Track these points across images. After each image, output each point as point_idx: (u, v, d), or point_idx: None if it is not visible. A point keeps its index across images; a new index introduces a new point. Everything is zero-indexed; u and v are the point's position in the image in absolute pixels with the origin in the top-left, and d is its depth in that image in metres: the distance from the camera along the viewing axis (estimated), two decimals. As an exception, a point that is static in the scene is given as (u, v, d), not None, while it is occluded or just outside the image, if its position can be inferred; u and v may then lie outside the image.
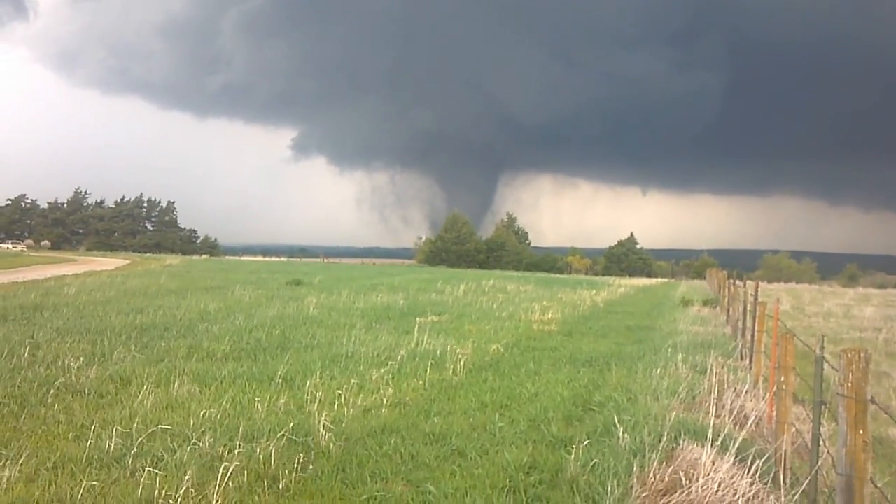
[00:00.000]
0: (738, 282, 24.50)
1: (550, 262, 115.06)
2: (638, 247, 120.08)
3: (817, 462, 6.78)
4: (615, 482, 7.18)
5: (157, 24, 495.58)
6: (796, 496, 6.89)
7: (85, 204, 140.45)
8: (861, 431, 5.04)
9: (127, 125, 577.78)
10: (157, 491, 6.85)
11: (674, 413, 9.52)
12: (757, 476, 7.30)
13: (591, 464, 7.98)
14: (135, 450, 8.06)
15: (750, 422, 9.51)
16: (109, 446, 8.17)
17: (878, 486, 5.70)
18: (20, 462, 7.61)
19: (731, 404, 10.29)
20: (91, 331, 16.64)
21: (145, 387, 10.98)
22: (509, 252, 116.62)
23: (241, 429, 8.92)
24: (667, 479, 7.38)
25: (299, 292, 31.24)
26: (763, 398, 10.87)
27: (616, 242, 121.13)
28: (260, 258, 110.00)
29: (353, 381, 11.96)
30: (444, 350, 15.41)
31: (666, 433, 8.50)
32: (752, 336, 13.80)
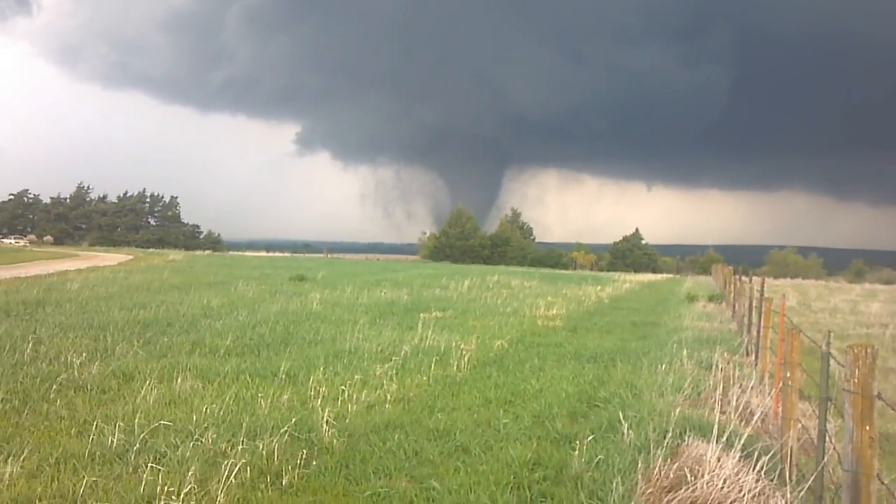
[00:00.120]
0: (743, 277, 24.52)
1: (555, 257, 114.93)
2: (643, 242, 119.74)
3: (823, 458, 6.74)
4: (620, 479, 7.17)
5: (160, 18, 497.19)
6: (802, 493, 6.85)
7: (87, 199, 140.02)
8: (867, 428, 4.98)
9: (129, 120, 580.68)
10: (159, 487, 6.81)
11: (679, 409, 9.51)
12: (762, 472, 7.27)
13: (596, 460, 7.96)
14: (137, 446, 8.04)
15: (755, 418, 9.44)
16: (112, 442, 8.14)
17: (885, 482, 5.64)
18: (22, 458, 7.59)
19: (737, 400, 10.26)
20: (94, 326, 16.63)
21: (148, 382, 10.94)
22: (514, 247, 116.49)
23: (244, 425, 8.88)
24: (672, 475, 7.34)
25: (303, 288, 31.23)
26: (769, 394, 10.83)
27: (621, 238, 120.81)
28: (263, 253, 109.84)
29: (356, 376, 11.96)
30: (448, 346, 15.39)
31: (671, 429, 8.47)
32: (758, 332, 13.75)
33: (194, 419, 9.16)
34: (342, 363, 13.41)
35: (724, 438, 7.80)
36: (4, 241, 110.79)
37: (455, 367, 13.45)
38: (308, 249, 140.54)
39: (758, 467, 7.27)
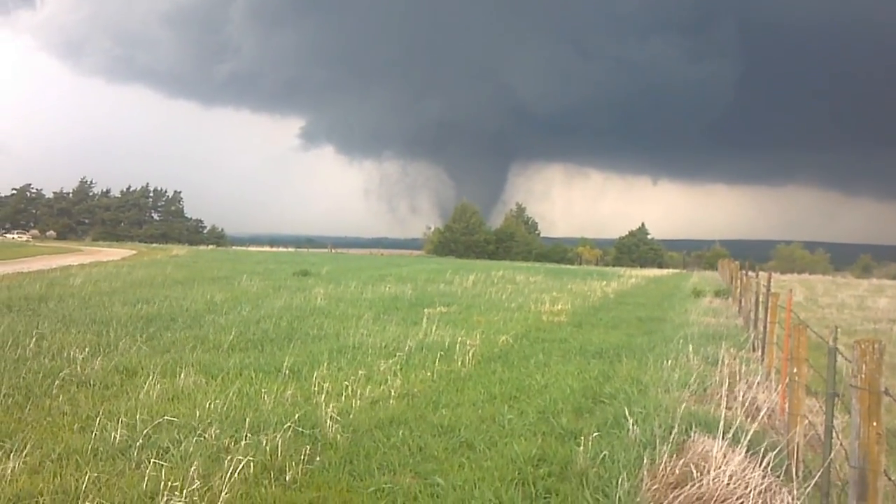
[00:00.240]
0: (750, 272, 24.40)
1: (560, 252, 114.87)
2: (649, 237, 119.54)
3: (830, 454, 6.69)
4: (625, 475, 7.12)
5: (163, 12, 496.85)
6: (809, 489, 6.80)
7: (90, 194, 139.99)
8: (875, 423, 4.99)
9: (133, 114, 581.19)
10: (162, 483, 6.77)
11: (685, 405, 9.43)
12: (769, 469, 7.22)
13: (601, 456, 7.91)
14: (140, 441, 8.02)
15: (762, 414, 9.41)
16: (114, 438, 8.11)
17: (892, 478, 5.61)
18: (24, 453, 7.55)
19: (743, 396, 10.21)
20: (96, 321, 16.63)
21: (151, 378, 10.91)
22: (519, 242, 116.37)
23: (247, 420, 8.85)
24: (677, 471, 7.32)
25: (306, 283, 31.25)
26: (775, 390, 10.79)
27: (627, 233, 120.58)
28: (267, 248, 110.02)
29: (360, 372, 11.93)
30: (452, 341, 15.35)
31: (677, 425, 8.43)
32: (765, 327, 13.71)
33: (197, 415, 9.13)
34: (346, 358, 13.38)
35: (731, 434, 7.77)
36: (7, 236, 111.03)
37: (459, 363, 13.40)
38: (312, 244, 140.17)
39: (764, 463, 7.21)
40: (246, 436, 8.24)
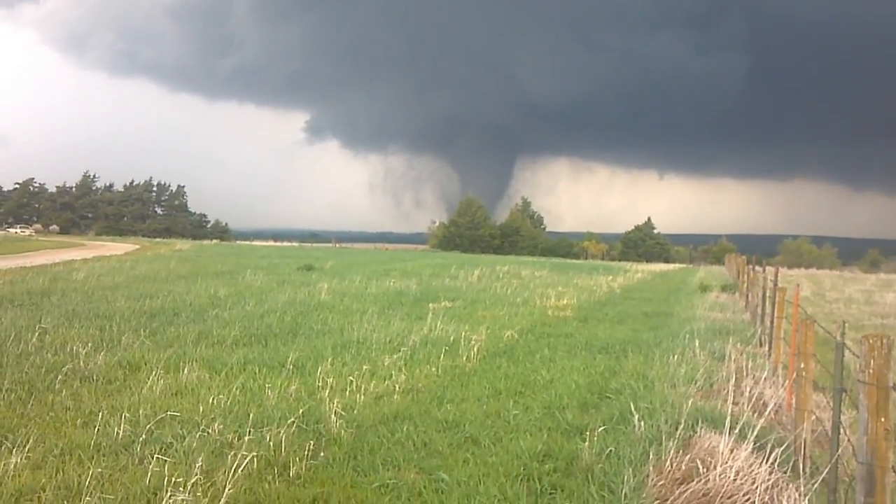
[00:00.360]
0: (757, 267, 24.44)
1: (566, 247, 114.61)
2: (655, 231, 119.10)
3: (837, 450, 6.67)
4: (631, 470, 7.13)
5: (167, 6, 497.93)
6: (816, 485, 6.79)
7: (93, 188, 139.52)
8: (883, 419, 4.97)
9: (136, 108, 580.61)
10: (165, 478, 6.76)
11: (691, 400, 9.45)
12: (776, 464, 7.19)
13: (607, 452, 7.91)
14: (143, 436, 8.00)
15: (769, 409, 9.39)
16: (117, 433, 8.10)
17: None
18: (27, 448, 7.53)
19: (750, 392, 10.19)
20: (99, 316, 16.61)
21: (154, 373, 10.90)
22: (524, 237, 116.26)
23: (251, 415, 8.84)
24: (684, 467, 7.30)
25: (311, 277, 31.19)
26: (782, 385, 10.77)
27: (633, 227, 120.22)
28: (271, 243, 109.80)
29: (364, 367, 11.88)
30: (457, 336, 15.29)
31: (683, 421, 8.41)
32: (772, 322, 13.66)
33: (201, 410, 9.11)
34: (350, 354, 13.35)
35: (737, 430, 7.73)
36: (10, 230, 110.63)
37: (464, 358, 13.37)
38: (316, 239, 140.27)
39: (771, 459, 7.18)
40: (249, 431, 8.22)
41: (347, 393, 10.30)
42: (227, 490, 6.62)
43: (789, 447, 7.76)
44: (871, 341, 5.04)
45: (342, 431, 8.59)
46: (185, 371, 11.19)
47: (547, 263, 58.78)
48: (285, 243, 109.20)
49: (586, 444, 8.12)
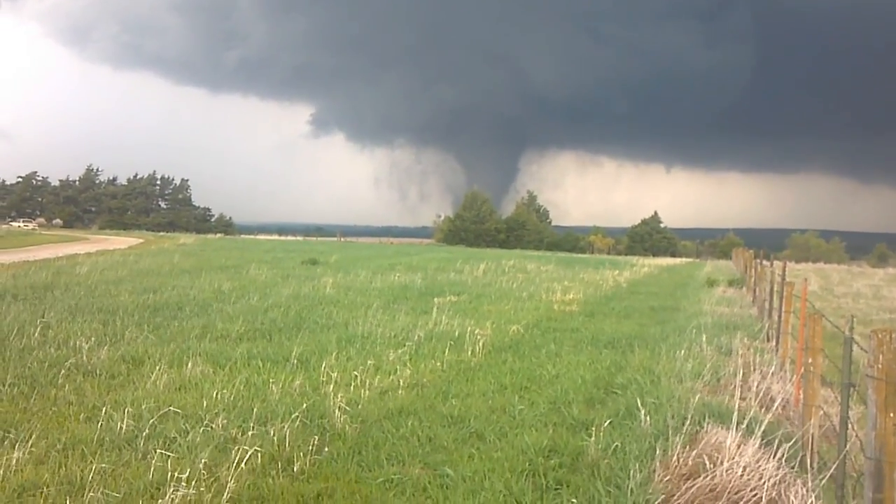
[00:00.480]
0: (764, 261, 24.32)
1: (572, 241, 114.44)
2: (662, 226, 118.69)
3: (845, 446, 6.65)
4: (637, 466, 7.05)
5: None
6: (824, 480, 6.76)
7: (97, 181, 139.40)
8: (891, 414, 4.99)
9: (140, 101, 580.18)
10: (168, 473, 6.74)
11: (698, 395, 9.38)
12: (783, 460, 7.16)
13: (613, 447, 7.87)
14: (146, 431, 7.97)
15: (776, 404, 9.34)
16: (121, 428, 8.07)
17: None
18: (30, 443, 7.51)
19: (757, 387, 10.13)
20: (103, 310, 16.59)
21: (158, 367, 10.88)
22: (530, 231, 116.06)
23: (255, 410, 8.81)
24: (690, 462, 7.26)
25: (315, 272, 31.22)
26: (790, 380, 10.74)
27: (639, 221, 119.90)
28: (275, 237, 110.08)
29: (369, 362, 11.86)
30: (462, 331, 15.27)
31: (690, 416, 8.37)
32: (779, 317, 13.59)
33: (204, 405, 9.10)
34: (355, 348, 13.32)
35: (744, 425, 7.70)
36: (13, 224, 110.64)
37: (470, 353, 13.35)
38: (321, 233, 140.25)
39: (778, 455, 7.16)
40: (253, 426, 8.23)
41: (352, 388, 10.28)
42: (230, 485, 6.60)
43: (797, 442, 7.71)
44: (880, 336, 5.03)
45: (346, 426, 8.56)
46: (189, 366, 11.16)
47: (553, 258, 58.80)
48: (289, 237, 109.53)
49: (592, 439, 8.08)
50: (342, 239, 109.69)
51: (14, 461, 7.04)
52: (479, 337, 14.50)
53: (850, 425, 6.71)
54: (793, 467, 7.23)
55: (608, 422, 8.79)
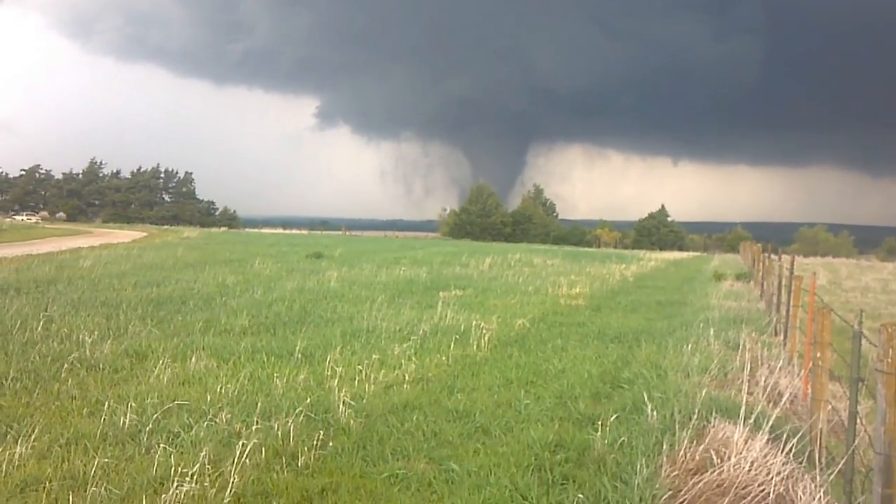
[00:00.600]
0: (772, 255, 24.17)
1: (579, 234, 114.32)
2: (669, 219, 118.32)
3: (854, 441, 6.64)
4: (644, 461, 7.04)
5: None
6: (832, 476, 6.73)
7: (100, 175, 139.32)
8: None
9: (143, 93, 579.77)
10: (172, 468, 6.71)
11: (705, 390, 9.35)
12: (791, 455, 7.11)
13: (620, 442, 7.84)
14: (150, 426, 7.95)
15: (784, 399, 9.33)
16: (124, 422, 8.06)
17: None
18: (32, 438, 7.49)
19: (765, 381, 10.11)
20: (106, 304, 16.60)
21: (161, 362, 10.86)
22: (536, 225, 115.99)
23: (258, 405, 8.77)
24: (697, 457, 7.25)
25: (320, 265, 31.20)
26: (798, 375, 10.72)
27: (646, 215, 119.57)
28: (280, 230, 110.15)
29: (374, 356, 11.83)
30: (468, 325, 15.23)
31: (697, 411, 8.36)
32: (787, 311, 13.55)
33: (208, 399, 9.06)
34: (360, 342, 13.29)
35: (752, 420, 7.67)
36: (16, 217, 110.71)
37: (475, 347, 13.31)
38: (326, 226, 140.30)
39: (786, 450, 7.11)
40: (257, 421, 8.18)
41: (356, 382, 10.25)
42: (234, 480, 6.56)
43: (805, 437, 7.70)
44: (889, 330, 5.04)
45: (351, 421, 8.53)
46: (193, 360, 11.14)
47: (559, 251, 58.77)
48: (294, 231, 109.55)
49: (598, 434, 8.05)
50: (347, 233, 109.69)
51: (16, 456, 7.02)
52: (484, 331, 14.45)
53: (858, 420, 6.69)
54: (801, 462, 7.20)
55: (615, 416, 8.75)
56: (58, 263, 26.81)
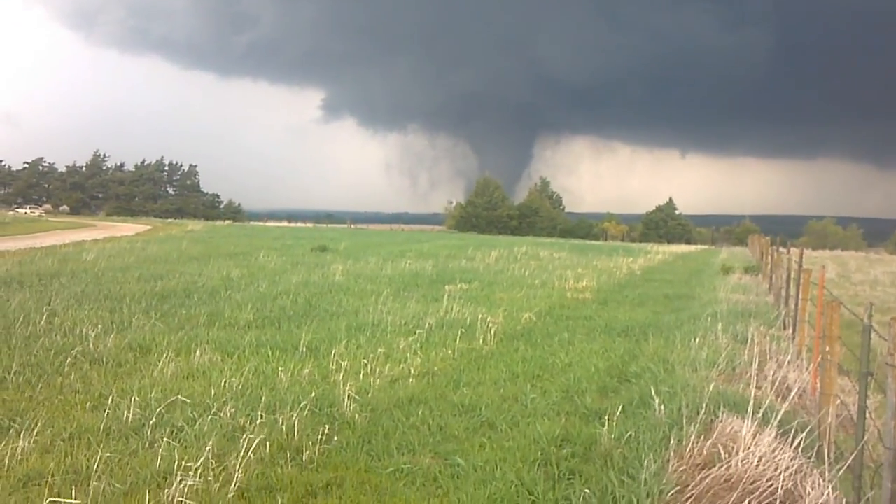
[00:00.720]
0: (781, 248, 24.05)
1: (585, 228, 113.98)
2: (677, 212, 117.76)
3: (863, 436, 6.62)
4: (651, 456, 7.00)
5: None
6: (841, 471, 6.71)
7: (104, 167, 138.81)
8: None
9: (147, 86, 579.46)
10: (176, 462, 6.68)
11: (713, 384, 9.32)
12: (800, 450, 7.08)
13: (627, 436, 7.82)
14: (154, 420, 7.92)
15: (793, 394, 9.28)
16: (127, 417, 8.04)
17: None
18: (35, 432, 7.48)
19: (773, 375, 10.06)
20: (110, 298, 16.60)
21: (165, 355, 10.86)
22: (543, 218, 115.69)
23: (263, 399, 8.78)
24: (705, 452, 7.21)
25: (325, 259, 31.22)
26: (806, 369, 10.67)
27: (654, 207, 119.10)
28: (285, 224, 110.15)
29: (379, 350, 11.80)
30: (474, 319, 15.21)
31: (704, 405, 8.30)
32: (796, 305, 13.51)
33: (212, 393, 9.05)
34: (365, 336, 13.27)
35: (760, 415, 7.64)
36: (19, 210, 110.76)
37: (481, 341, 13.28)
38: (331, 220, 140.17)
39: (795, 445, 7.11)
40: (262, 415, 8.17)
41: (362, 376, 10.24)
42: (238, 474, 6.54)
43: (813, 432, 7.65)
44: None
45: (356, 415, 8.51)
46: (197, 353, 11.13)
47: (566, 245, 58.71)
48: (299, 224, 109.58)
49: (605, 428, 8.03)
50: (352, 226, 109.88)
51: (19, 450, 7.01)
52: (490, 325, 14.43)
53: (868, 415, 6.67)
54: (809, 457, 7.15)
55: (622, 411, 8.75)
56: (61, 257, 26.86)
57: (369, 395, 9.36)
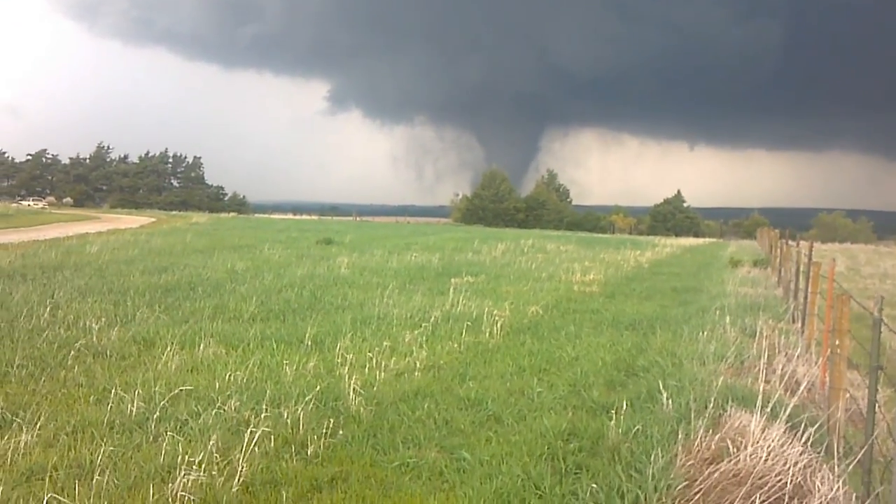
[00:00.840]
0: (790, 241, 23.99)
1: (593, 220, 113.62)
2: (685, 205, 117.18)
3: (873, 430, 6.57)
4: (659, 450, 6.95)
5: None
6: (850, 466, 6.64)
7: (108, 159, 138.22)
8: None
9: (151, 77, 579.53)
10: (179, 456, 6.70)
11: (721, 378, 9.26)
12: (809, 444, 7.06)
13: (634, 431, 7.77)
14: (157, 414, 7.92)
15: (802, 388, 9.22)
16: (131, 410, 8.04)
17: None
18: (38, 426, 7.47)
19: (782, 369, 10.03)
20: (113, 291, 16.57)
21: (169, 348, 10.84)
22: (550, 210, 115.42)
23: (268, 392, 8.76)
24: (713, 446, 7.19)
25: (330, 251, 31.17)
26: (816, 363, 10.63)
27: (662, 200, 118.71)
28: (290, 216, 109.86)
29: (385, 343, 11.78)
30: (480, 312, 15.15)
31: (713, 399, 8.31)
32: (805, 298, 13.45)
33: (217, 386, 9.04)
34: (370, 329, 13.23)
35: (769, 409, 7.64)
36: (23, 203, 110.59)
37: (487, 334, 13.27)
38: (336, 212, 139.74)
39: (804, 439, 7.09)
40: (266, 408, 8.18)
41: (367, 370, 10.23)
42: (242, 468, 6.52)
43: (822, 427, 7.63)
44: None
45: (361, 409, 8.49)
46: (201, 347, 11.12)
47: (573, 237, 58.59)
48: (304, 216, 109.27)
49: (613, 422, 7.97)
50: (358, 218, 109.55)
51: (22, 444, 6.99)
52: (496, 318, 14.38)
53: (877, 409, 6.62)
54: (818, 452, 7.11)
55: (629, 405, 8.70)
56: (64, 249, 26.86)
57: (375, 388, 9.35)
